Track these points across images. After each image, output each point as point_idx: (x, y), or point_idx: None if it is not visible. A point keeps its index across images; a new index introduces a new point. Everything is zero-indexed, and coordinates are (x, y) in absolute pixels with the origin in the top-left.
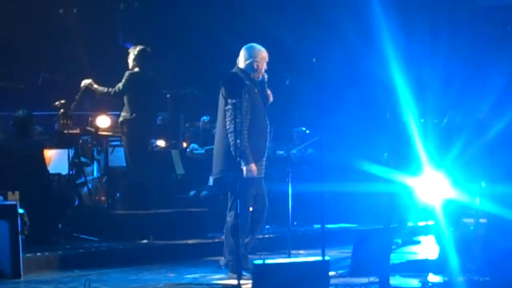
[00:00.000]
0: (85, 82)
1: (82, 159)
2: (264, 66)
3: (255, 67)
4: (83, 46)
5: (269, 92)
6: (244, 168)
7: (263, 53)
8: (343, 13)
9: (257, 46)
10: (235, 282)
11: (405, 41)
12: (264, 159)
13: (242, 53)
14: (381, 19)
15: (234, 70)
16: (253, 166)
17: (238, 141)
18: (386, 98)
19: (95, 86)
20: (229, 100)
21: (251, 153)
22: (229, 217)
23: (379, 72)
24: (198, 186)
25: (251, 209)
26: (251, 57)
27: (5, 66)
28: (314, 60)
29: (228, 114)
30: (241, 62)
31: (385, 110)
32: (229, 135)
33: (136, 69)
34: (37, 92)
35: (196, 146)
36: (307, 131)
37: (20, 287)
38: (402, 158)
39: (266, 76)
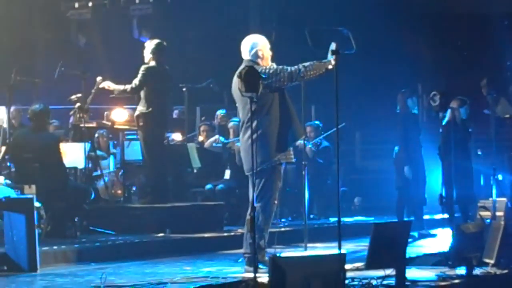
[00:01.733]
0: (102, 83)
1: (99, 152)
2: (269, 52)
3: (260, 55)
4: (99, 39)
5: None
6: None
7: (263, 39)
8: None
9: (255, 35)
10: (251, 275)
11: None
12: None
13: (244, 45)
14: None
15: (245, 63)
16: None
17: (255, 135)
18: (397, 91)
19: (112, 87)
20: (243, 93)
21: (275, 143)
22: (262, 212)
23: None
24: (214, 179)
25: (276, 202)
26: (254, 46)
27: (22, 60)
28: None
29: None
30: (245, 54)
31: (396, 104)
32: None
33: (152, 63)
34: (53, 86)
35: (223, 138)
36: (321, 125)
37: (36, 281)
38: (413, 151)
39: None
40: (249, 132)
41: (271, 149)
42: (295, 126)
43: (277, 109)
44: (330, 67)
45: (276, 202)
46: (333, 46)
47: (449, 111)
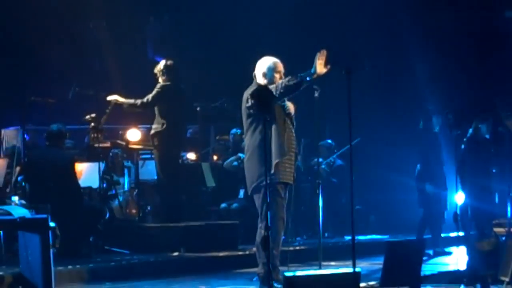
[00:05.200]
0: (111, 98)
1: (115, 177)
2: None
3: (275, 79)
4: (113, 59)
5: (290, 104)
6: None
7: (279, 63)
8: (373, 24)
9: (272, 58)
10: None
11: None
12: (294, 166)
13: (260, 67)
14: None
15: (256, 85)
16: None
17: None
18: (418, 109)
19: (121, 100)
20: (251, 111)
21: (263, 161)
22: (260, 228)
23: (409, 82)
24: (229, 198)
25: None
26: (271, 69)
27: (36, 80)
28: (343, 72)
29: (253, 126)
30: (260, 75)
31: (418, 120)
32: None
33: (168, 82)
34: (67, 106)
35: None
36: (333, 144)
37: None
38: (435, 169)
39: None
40: (248, 153)
41: (261, 168)
42: (278, 145)
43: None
44: (315, 76)
45: (283, 220)
46: (317, 56)
47: (471, 129)
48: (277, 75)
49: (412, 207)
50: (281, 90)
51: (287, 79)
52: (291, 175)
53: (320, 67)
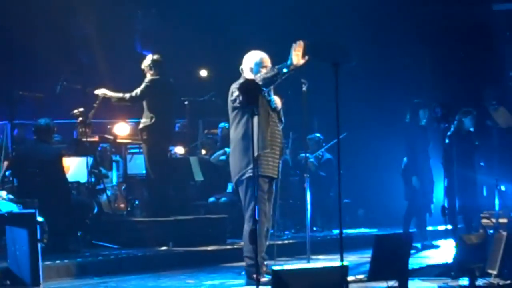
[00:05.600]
0: (99, 91)
1: (103, 170)
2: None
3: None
4: (101, 54)
5: (276, 98)
6: None
7: (266, 56)
8: (361, 18)
9: (260, 52)
10: None
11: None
12: (278, 160)
13: (248, 60)
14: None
15: (243, 79)
16: None
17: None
18: (405, 102)
19: (109, 94)
20: (235, 104)
21: (247, 155)
22: (246, 222)
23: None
24: (217, 192)
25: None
26: (260, 63)
27: (23, 75)
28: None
29: (237, 119)
30: (248, 69)
31: (405, 113)
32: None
33: (157, 76)
34: (55, 101)
35: (228, 150)
36: (322, 138)
37: None
38: (421, 162)
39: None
40: (232, 146)
41: (242, 161)
42: (260, 139)
43: (251, 121)
44: (292, 68)
45: (266, 215)
46: (292, 47)
47: (455, 122)
48: (263, 70)
49: (400, 200)
50: (260, 83)
51: (264, 71)
52: (275, 169)
53: (296, 58)
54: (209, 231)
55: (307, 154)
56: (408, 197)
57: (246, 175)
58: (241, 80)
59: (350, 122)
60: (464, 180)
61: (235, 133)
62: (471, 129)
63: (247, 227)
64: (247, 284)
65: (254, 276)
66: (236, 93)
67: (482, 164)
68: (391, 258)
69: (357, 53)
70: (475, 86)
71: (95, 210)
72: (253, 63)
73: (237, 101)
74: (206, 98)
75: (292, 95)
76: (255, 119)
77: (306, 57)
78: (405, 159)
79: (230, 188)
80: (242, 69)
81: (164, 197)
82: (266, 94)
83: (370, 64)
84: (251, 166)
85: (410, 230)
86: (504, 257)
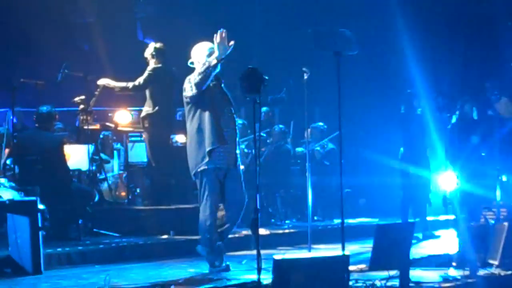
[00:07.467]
0: (102, 82)
1: (103, 156)
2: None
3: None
4: (103, 41)
5: None
6: None
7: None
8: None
9: (208, 44)
10: (254, 277)
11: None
12: (235, 151)
13: (200, 50)
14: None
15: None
16: None
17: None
18: (401, 92)
19: (112, 84)
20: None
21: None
22: (202, 213)
23: (396, 66)
24: None
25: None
26: (211, 52)
27: (25, 62)
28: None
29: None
30: (202, 57)
31: (400, 104)
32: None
33: (159, 65)
34: (56, 89)
35: None
36: (325, 126)
37: (40, 283)
38: (418, 152)
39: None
40: (187, 139)
41: (198, 155)
42: (211, 133)
43: (203, 114)
44: (220, 58)
45: (218, 206)
46: (214, 38)
47: (457, 112)
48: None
49: (399, 190)
50: (197, 80)
51: (200, 67)
52: (230, 159)
53: (221, 47)
54: None
55: (311, 143)
56: (404, 186)
57: (201, 168)
58: (193, 74)
59: (352, 111)
60: (468, 170)
61: (190, 126)
62: (475, 118)
63: (202, 217)
64: (210, 272)
65: (216, 264)
66: (189, 87)
67: (483, 154)
68: (392, 247)
69: (359, 42)
70: (478, 76)
71: (96, 198)
72: (205, 54)
73: (190, 95)
74: None
75: (293, 84)
76: (206, 113)
77: (232, 42)
78: (402, 149)
79: None
80: (192, 63)
81: (165, 186)
82: (222, 85)
83: (370, 53)
84: (206, 160)
85: (411, 220)
86: (505, 248)
